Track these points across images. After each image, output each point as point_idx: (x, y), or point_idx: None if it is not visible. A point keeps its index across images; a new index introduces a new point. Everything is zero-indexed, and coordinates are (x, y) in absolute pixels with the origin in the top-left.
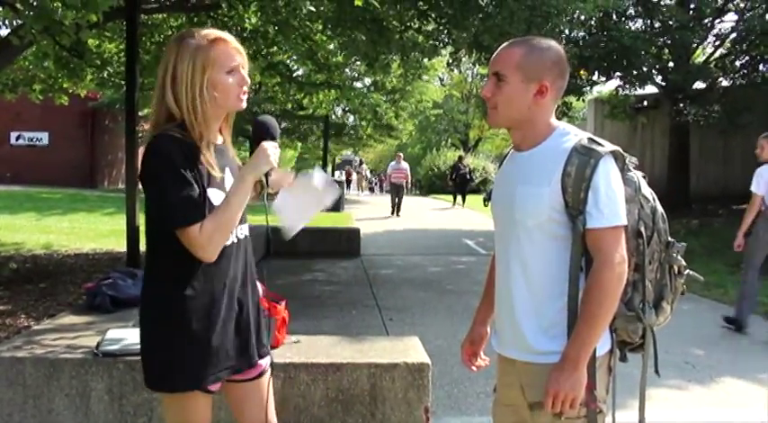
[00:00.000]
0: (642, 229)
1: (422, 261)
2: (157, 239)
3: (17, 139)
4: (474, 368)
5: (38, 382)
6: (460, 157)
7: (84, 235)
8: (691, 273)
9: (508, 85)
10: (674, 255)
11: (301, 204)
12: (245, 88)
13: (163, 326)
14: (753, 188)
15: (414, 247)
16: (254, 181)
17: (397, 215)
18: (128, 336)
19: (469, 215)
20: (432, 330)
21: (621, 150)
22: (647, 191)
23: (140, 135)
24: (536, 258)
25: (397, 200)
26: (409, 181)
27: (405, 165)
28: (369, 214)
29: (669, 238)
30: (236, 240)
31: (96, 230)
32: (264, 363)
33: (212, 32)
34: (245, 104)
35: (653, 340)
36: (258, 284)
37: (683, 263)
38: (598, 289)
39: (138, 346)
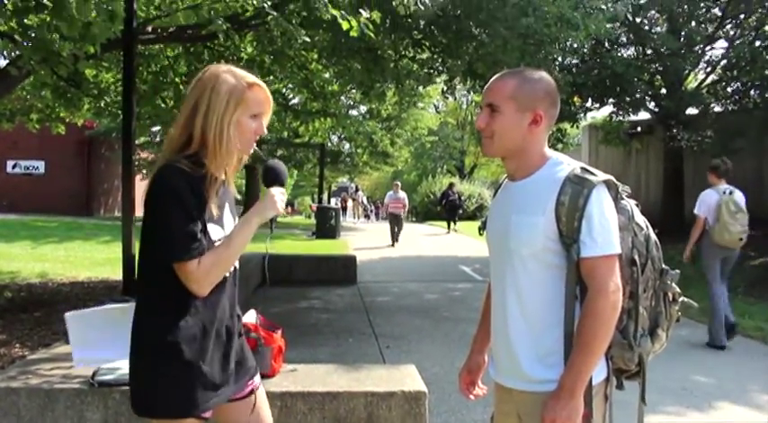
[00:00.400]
0: (636, 258)
1: (418, 288)
2: (152, 269)
3: (13, 167)
4: (472, 397)
5: (32, 412)
6: (451, 184)
7: (79, 263)
8: (685, 300)
9: (503, 116)
10: (669, 282)
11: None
12: (257, 137)
13: (154, 354)
14: (695, 211)
15: (410, 274)
16: (258, 224)
17: (392, 245)
18: (123, 366)
19: (465, 241)
20: (428, 358)
21: (614, 179)
22: (641, 219)
23: (137, 163)
24: (531, 287)
25: (396, 229)
26: (407, 210)
27: (402, 194)
28: (365, 241)
29: (663, 266)
30: (228, 273)
31: (92, 259)
32: (254, 381)
33: (250, 77)
34: (251, 150)
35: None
36: (254, 313)
37: (678, 290)
38: (593, 318)
39: None
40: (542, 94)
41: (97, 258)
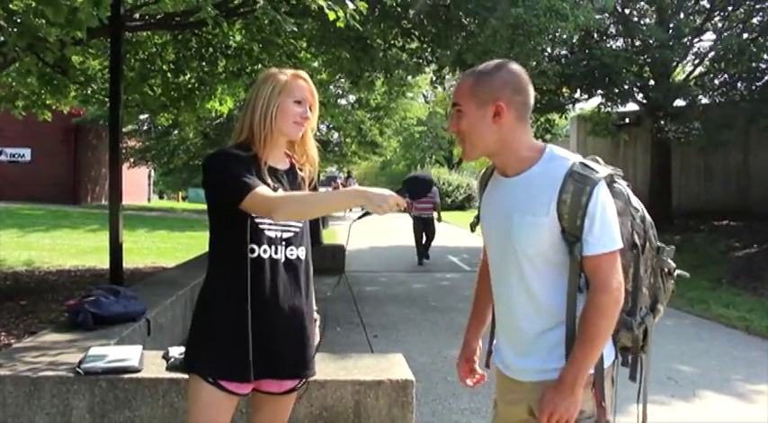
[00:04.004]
0: (636, 240)
1: (406, 278)
2: (212, 240)
3: None
4: (470, 383)
5: (18, 400)
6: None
7: (66, 252)
8: (679, 272)
9: (465, 115)
10: (665, 258)
11: None
12: (305, 123)
13: (195, 316)
14: None
15: (398, 264)
16: (354, 202)
17: (420, 263)
18: (110, 353)
19: (454, 232)
20: (416, 347)
21: (613, 172)
22: (635, 200)
23: (124, 151)
24: (541, 284)
25: (425, 239)
26: (439, 209)
27: (434, 190)
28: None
29: (659, 243)
30: (282, 258)
31: (79, 247)
32: (295, 383)
33: (296, 71)
34: (298, 135)
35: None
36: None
37: (673, 264)
38: (596, 314)
39: (121, 364)
40: (499, 84)
41: (84, 247)
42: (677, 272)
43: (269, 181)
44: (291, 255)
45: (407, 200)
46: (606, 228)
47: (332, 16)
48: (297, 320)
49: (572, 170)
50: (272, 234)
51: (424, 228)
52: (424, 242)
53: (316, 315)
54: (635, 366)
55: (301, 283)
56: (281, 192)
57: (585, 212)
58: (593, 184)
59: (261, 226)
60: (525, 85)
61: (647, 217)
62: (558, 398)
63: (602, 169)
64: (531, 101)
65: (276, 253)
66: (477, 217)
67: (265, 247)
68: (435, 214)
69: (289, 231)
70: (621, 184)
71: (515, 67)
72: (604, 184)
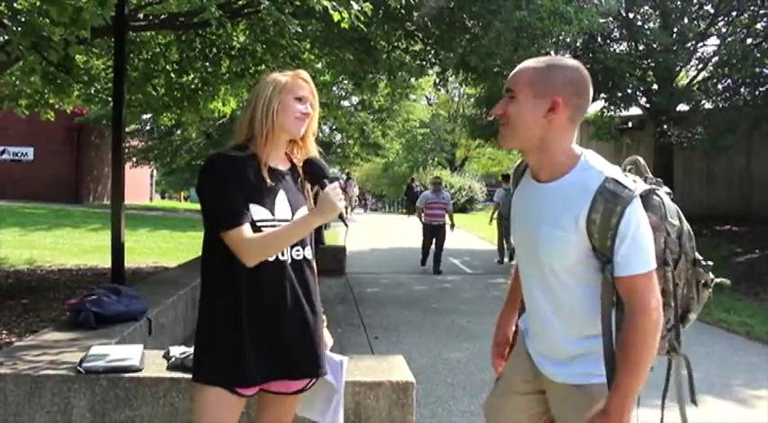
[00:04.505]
0: (668, 257)
1: (407, 279)
2: (206, 245)
3: (2, 153)
4: (501, 370)
5: (19, 399)
6: (412, 179)
7: (68, 250)
8: (718, 280)
9: (518, 101)
10: (701, 271)
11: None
12: (307, 119)
13: (199, 323)
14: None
15: (399, 266)
16: (320, 223)
17: (423, 263)
18: (111, 352)
19: (456, 234)
20: (417, 349)
21: (650, 187)
22: (673, 210)
23: (127, 151)
24: (567, 297)
25: (434, 246)
26: (452, 216)
27: (446, 195)
28: (354, 233)
29: (696, 255)
30: (288, 259)
31: (81, 246)
32: (305, 383)
33: (296, 71)
34: (299, 131)
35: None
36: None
37: (711, 276)
38: (636, 338)
39: (122, 363)
40: (563, 81)
41: (86, 246)
42: (718, 280)
43: (268, 181)
44: (298, 255)
45: (341, 182)
46: (639, 249)
47: (336, 17)
48: (306, 321)
49: (603, 187)
50: None
51: (433, 234)
52: (434, 252)
53: (323, 315)
54: (669, 375)
55: (309, 284)
56: (258, 212)
57: (616, 233)
58: (624, 203)
59: (264, 228)
60: (586, 89)
61: (686, 228)
62: None
63: (636, 185)
64: (588, 107)
65: (282, 254)
66: (508, 219)
67: None
68: (448, 221)
69: None
70: (660, 196)
71: (584, 70)
72: (637, 202)
